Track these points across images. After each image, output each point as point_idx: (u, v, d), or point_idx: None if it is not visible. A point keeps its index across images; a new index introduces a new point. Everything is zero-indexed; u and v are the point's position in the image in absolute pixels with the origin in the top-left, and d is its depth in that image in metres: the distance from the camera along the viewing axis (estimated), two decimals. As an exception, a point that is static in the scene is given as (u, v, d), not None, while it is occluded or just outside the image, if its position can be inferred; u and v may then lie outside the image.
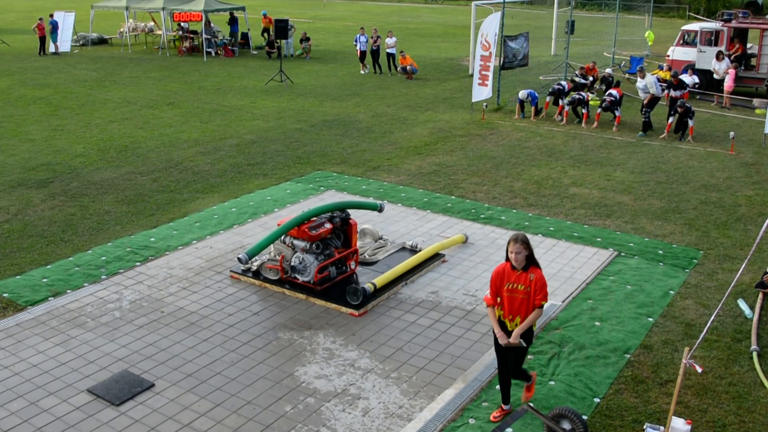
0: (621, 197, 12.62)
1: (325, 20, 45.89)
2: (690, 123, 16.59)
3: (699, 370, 5.70)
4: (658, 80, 22.29)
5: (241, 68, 26.95)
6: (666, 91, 18.23)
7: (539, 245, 10.50)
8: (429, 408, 6.71)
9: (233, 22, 32.18)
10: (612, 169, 14.32)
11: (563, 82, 19.17)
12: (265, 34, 31.11)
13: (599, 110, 18.13)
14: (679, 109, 16.51)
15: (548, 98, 18.99)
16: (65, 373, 7.22)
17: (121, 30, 32.66)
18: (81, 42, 32.81)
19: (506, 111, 19.59)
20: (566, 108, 18.44)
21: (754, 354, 7.59)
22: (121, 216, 11.53)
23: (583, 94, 18.55)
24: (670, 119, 16.80)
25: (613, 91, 18.13)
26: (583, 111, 18.19)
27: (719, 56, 21.54)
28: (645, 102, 17.77)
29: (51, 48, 30.14)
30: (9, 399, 6.79)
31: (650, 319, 8.35)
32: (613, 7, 34.64)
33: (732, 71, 20.71)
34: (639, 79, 18.26)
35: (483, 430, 6.37)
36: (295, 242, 8.92)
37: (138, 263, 9.77)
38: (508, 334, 6.17)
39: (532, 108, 18.87)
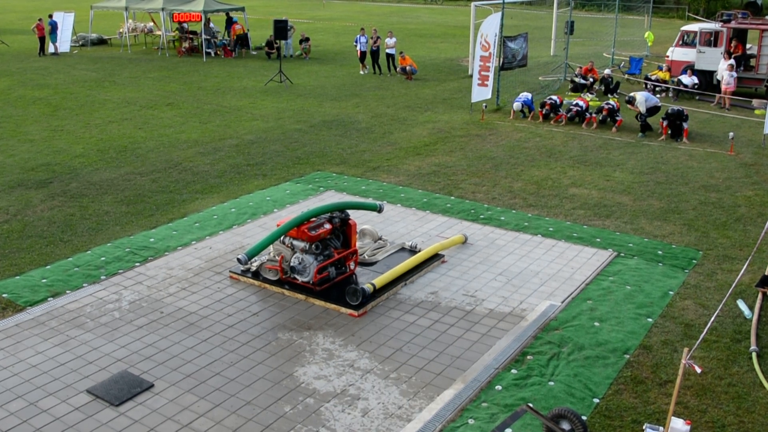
0: (620, 198, 12.62)
1: (325, 21, 45.91)
2: (684, 126, 16.63)
3: (698, 370, 5.70)
4: (657, 81, 22.37)
5: (240, 69, 26.95)
6: (663, 93, 17.95)
7: (538, 246, 10.51)
8: (428, 408, 6.71)
9: (230, 23, 32.09)
10: (611, 169, 14.33)
11: (554, 97, 18.93)
12: (238, 43, 30.92)
13: (594, 115, 18.09)
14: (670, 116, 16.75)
15: (541, 109, 18.74)
16: (64, 373, 7.22)
17: (121, 30, 32.65)
18: (80, 42, 32.81)
19: (505, 111, 19.58)
20: (566, 113, 18.37)
21: (754, 354, 7.60)
22: (120, 216, 11.53)
23: (581, 103, 18.42)
24: (665, 122, 16.82)
25: (611, 101, 18.15)
26: (585, 115, 18.17)
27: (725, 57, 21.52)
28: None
29: (50, 48, 30.15)
30: (8, 399, 6.79)
31: (650, 320, 8.35)
32: (613, 7, 34.67)
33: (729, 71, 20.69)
34: (631, 107, 17.76)
35: (482, 431, 6.37)
36: (295, 243, 8.93)
37: (137, 264, 9.77)
38: None
39: (530, 112, 18.86)
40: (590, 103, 19.09)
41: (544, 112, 18.49)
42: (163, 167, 14.24)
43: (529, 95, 19.06)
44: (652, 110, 17.38)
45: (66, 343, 7.77)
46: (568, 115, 18.23)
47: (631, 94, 17.86)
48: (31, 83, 23.50)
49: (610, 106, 17.87)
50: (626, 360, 7.53)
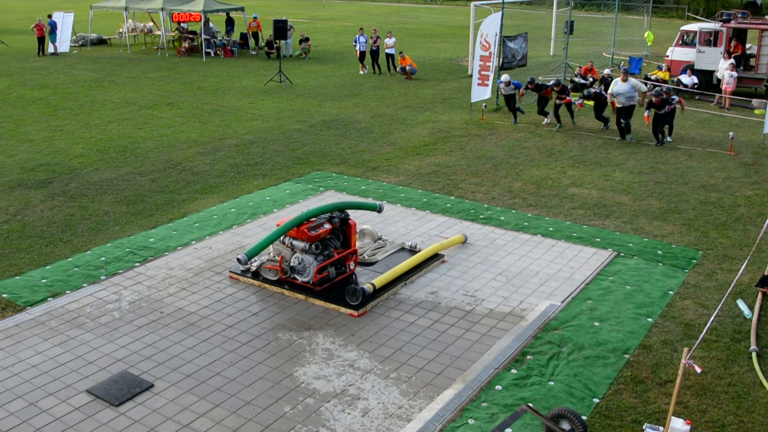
0: (620, 197, 12.62)
1: (324, 20, 45.90)
2: (669, 108, 15.86)
3: (698, 370, 5.70)
4: (657, 81, 22.37)
5: (240, 69, 26.95)
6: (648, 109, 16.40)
7: (538, 245, 10.51)
8: (428, 408, 6.71)
9: (230, 23, 32.14)
10: (611, 169, 14.33)
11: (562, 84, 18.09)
12: (255, 40, 31.20)
13: (579, 101, 17.65)
14: (654, 99, 15.65)
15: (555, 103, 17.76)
16: (64, 373, 7.22)
17: (120, 30, 32.65)
18: (80, 42, 32.79)
19: (505, 111, 19.56)
20: (579, 100, 17.74)
21: (753, 354, 7.60)
22: (120, 216, 11.53)
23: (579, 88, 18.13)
24: (647, 112, 16.20)
25: (596, 88, 17.88)
26: (575, 102, 17.68)
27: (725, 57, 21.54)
28: (620, 108, 16.37)
29: (50, 48, 30.14)
30: (8, 399, 6.78)
31: (649, 320, 8.35)
32: (612, 7, 34.66)
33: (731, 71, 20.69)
34: (620, 82, 16.32)
35: (482, 431, 6.37)
36: (295, 243, 8.92)
37: (137, 264, 9.77)
38: None
39: (519, 92, 18.25)
40: (587, 103, 18.96)
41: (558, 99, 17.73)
42: (163, 167, 14.23)
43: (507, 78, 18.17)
44: (631, 110, 16.41)
45: (66, 343, 7.77)
46: (580, 95, 17.92)
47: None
48: (31, 83, 23.50)
49: (597, 90, 17.41)
50: (626, 360, 7.53)
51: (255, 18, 31.69)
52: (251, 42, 31.81)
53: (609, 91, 16.94)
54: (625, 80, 16.33)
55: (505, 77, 18.20)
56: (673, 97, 16.07)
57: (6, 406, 6.69)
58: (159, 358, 7.52)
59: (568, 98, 17.55)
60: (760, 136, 16.83)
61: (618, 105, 16.50)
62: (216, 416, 6.59)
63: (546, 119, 18.25)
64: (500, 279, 9.44)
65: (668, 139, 16.54)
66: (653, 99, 15.76)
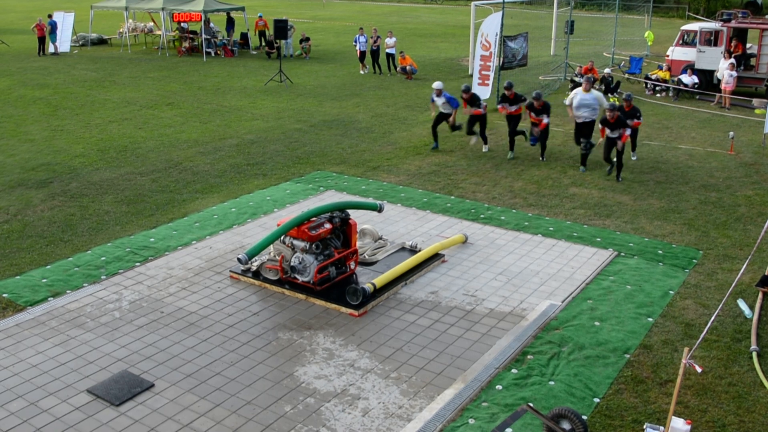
0: (620, 197, 12.62)
1: (325, 20, 45.89)
2: (627, 131, 13.20)
3: (699, 370, 5.70)
4: (657, 80, 22.37)
5: (240, 68, 26.94)
6: (602, 127, 13.49)
7: (539, 245, 10.51)
8: (428, 408, 6.71)
9: (230, 23, 32.16)
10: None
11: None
12: (262, 38, 31.31)
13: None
14: (608, 114, 13.04)
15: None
16: (65, 373, 7.22)
17: (121, 30, 32.64)
18: (80, 42, 32.80)
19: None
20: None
21: (754, 354, 7.60)
22: (120, 216, 11.53)
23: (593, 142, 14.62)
24: (601, 126, 13.49)
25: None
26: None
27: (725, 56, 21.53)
28: (580, 125, 14.05)
29: (50, 48, 30.15)
30: (9, 399, 6.79)
31: (650, 319, 8.35)
32: (613, 7, 34.64)
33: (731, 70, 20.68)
34: (582, 92, 13.96)
35: (482, 431, 6.37)
36: (295, 242, 8.92)
37: (137, 263, 9.77)
38: None
39: (454, 111, 15.60)
40: None
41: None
42: (164, 167, 14.24)
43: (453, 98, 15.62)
44: (590, 128, 14.12)
45: (66, 343, 7.77)
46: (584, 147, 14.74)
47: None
48: (32, 83, 23.50)
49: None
50: (626, 360, 7.53)
51: (260, 17, 31.71)
52: (255, 41, 31.82)
53: (567, 103, 14.49)
54: (588, 90, 14.02)
55: (436, 84, 15.50)
56: (630, 121, 13.48)
57: (6, 405, 6.70)
58: (159, 357, 7.52)
59: (479, 110, 15.20)
60: (760, 136, 16.82)
61: (578, 120, 14.10)
62: (216, 416, 6.59)
63: (472, 138, 15.64)
64: (500, 279, 9.44)
65: (633, 158, 14.70)
66: (607, 114, 13.11)
